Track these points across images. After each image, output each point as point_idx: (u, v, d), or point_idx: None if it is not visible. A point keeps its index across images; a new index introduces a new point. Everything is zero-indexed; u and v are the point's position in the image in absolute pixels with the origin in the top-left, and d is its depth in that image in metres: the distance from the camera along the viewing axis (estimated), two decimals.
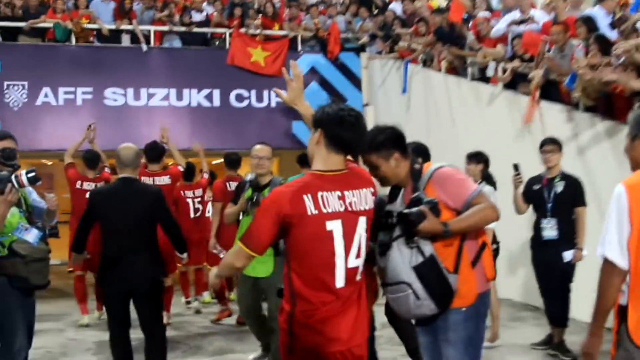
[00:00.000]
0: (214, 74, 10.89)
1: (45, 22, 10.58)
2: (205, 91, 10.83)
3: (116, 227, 4.41)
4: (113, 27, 10.73)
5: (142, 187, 4.74)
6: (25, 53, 10.53)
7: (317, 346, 2.59)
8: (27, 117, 10.27)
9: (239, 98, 10.94)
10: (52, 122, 10.33)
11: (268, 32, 11.13)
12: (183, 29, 10.85)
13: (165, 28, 10.88)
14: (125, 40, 10.92)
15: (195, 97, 10.80)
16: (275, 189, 2.73)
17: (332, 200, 2.56)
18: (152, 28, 10.90)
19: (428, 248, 2.79)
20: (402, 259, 2.79)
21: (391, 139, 2.96)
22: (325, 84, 11.19)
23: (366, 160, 2.96)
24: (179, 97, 10.75)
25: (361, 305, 2.69)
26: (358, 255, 2.64)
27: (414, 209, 2.75)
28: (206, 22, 11.10)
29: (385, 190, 3.12)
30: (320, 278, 2.57)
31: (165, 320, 5.41)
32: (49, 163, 16.78)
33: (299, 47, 11.31)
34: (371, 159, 2.94)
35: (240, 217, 5.09)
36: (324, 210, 2.54)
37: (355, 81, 11.31)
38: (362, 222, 2.64)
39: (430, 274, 2.78)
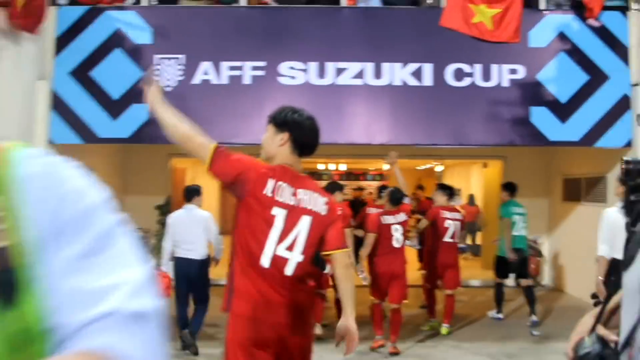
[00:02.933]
0: (425, 42, 8.00)
1: None
2: (413, 66, 7.94)
3: None
4: None
5: None
6: (181, 18, 8.18)
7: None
8: (182, 99, 7.87)
9: (459, 75, 7.94)
10: (212, 106, 7.88)
11: None
12: None
13: None
14: None
15: (398, 73, 7.92)
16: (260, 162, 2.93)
17: (286, 192, 2.86)
18: None
19: None
20: None
21: None
22: (577, 55, 7.93)
23: None
24: (377, 73, 7.93)
25: (296, 309, 2.84)
26: (290, 248, 2.83)
27: None
28: None
29: None
30: (251, 249, 2.81)
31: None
32: None
33: (541, 5, 8.17)
34: None
35: None
36: (276, 198, 2.84)
37: (621, 51, 7.97)
38: (305, 220, 2.88)
39: None
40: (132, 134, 7.88)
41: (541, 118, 7.87)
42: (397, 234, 6.92)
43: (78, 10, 8.11)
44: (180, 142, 2.93)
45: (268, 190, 2.81)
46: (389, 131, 7.83)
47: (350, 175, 21.50)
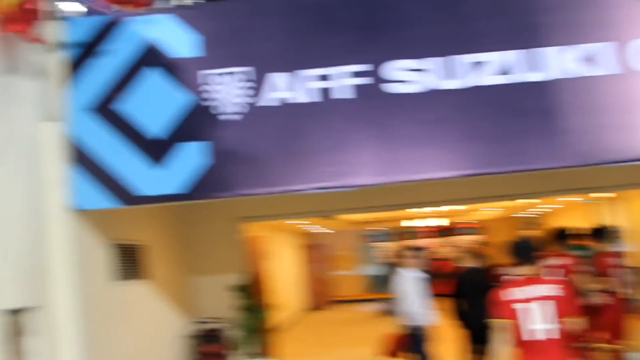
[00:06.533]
0: None
1: None
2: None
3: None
4: None
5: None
6: (241, 17, 5.73)
7: None
8: (250, 128, 5.43)
9: None
10: (294, 135, 5.42)
11: None
12: None
13: None
14: None
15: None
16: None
17: (516, 293, 4.87)
18: None
19: None
20: None
21: None
22: None
23: None
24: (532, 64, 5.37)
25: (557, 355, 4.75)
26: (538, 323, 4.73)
27: None
28: None
29: None
30: (517, 333, 4.79)
31: None
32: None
33: None
34: None
35: None
36: (510, 298, 4.85)
37: None
38: (534, 305, 4.76)
39: None
40: (182, 187, 5.41)
41: None
42: None
43: (92, 21, 5.77)
44: None
45: (505, 297, 4.90)
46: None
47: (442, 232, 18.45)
